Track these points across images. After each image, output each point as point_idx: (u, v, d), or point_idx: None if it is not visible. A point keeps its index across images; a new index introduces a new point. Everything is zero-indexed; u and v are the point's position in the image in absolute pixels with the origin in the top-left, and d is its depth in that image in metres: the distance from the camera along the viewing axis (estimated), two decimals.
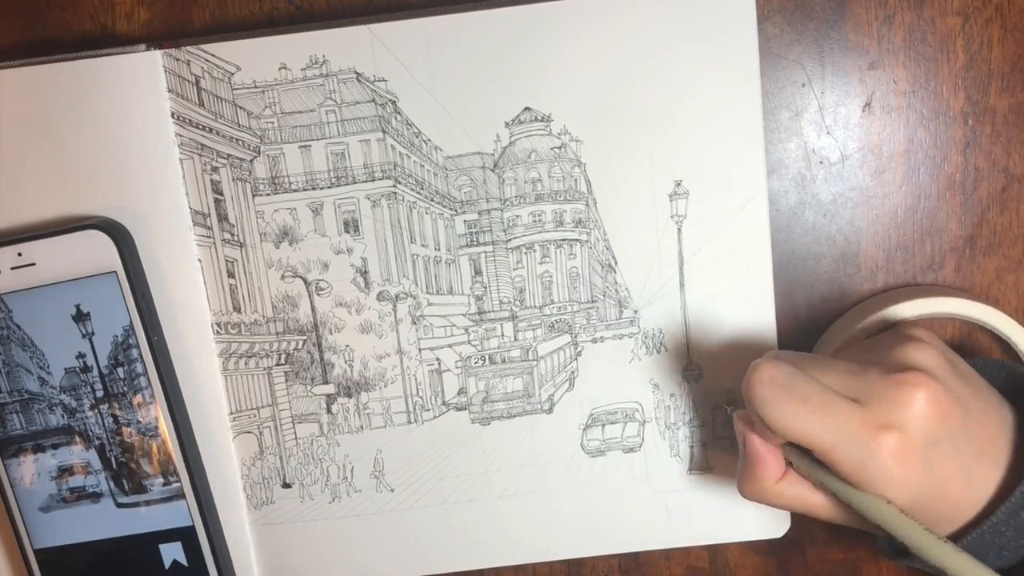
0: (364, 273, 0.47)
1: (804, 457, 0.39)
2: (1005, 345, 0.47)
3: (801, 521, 0.50)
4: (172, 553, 0.48)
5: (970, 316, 0.45)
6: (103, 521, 0.47)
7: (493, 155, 0.46)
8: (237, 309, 0.47)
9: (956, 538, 0.38)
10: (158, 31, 0.47)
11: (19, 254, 0.45)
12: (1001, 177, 0.47)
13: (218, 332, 0.47)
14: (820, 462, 0.38)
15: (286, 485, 0.49)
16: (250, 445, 0.49)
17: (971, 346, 0.48)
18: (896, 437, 0.36)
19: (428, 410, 0.49)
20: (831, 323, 0.48)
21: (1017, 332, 0.46)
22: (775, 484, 0.40)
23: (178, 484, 0.47)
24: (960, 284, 0.48)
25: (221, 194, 0.47)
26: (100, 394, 0.46)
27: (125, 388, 0.46)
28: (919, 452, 0.36)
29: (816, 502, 0.40)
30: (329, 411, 0.49)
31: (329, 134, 0.46)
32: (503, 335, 0.49)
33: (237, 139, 0.46)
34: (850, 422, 0.36)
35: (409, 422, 0.49)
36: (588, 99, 0.45)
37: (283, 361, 0.48)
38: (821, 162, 0.47)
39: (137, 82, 0.45)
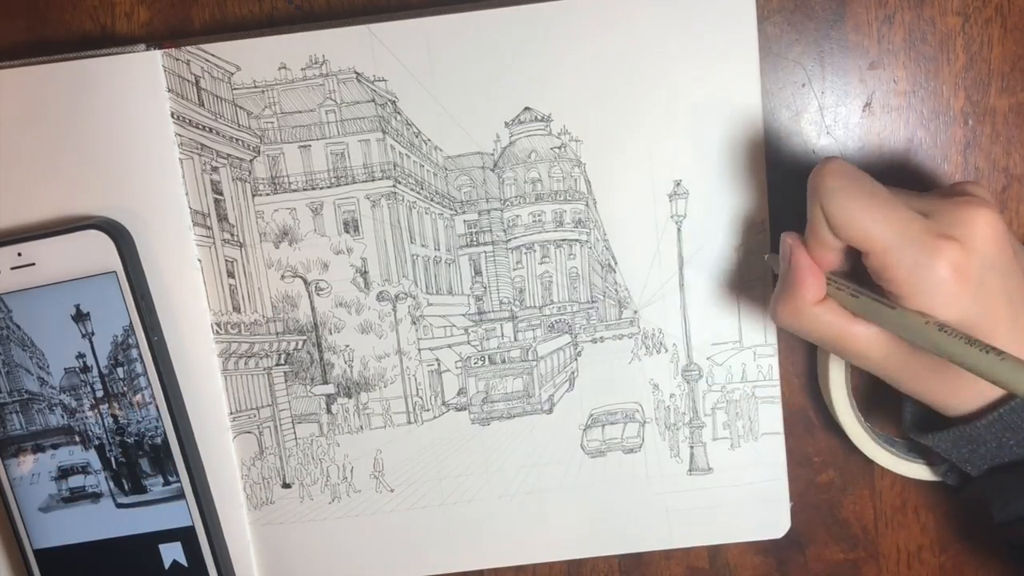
0: (364, 273, 0.47)
1: (848, 281, 0.38)
2: None
3: (801, 521, 0.50)
4: (172, 553, 0.48)
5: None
6: (103, 521, 0.47)
7: (493, 155, 0.46)
8: (237, 309, 0.47)
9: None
10: (158, 31, 0.47)
11: (19, 254, 0.45)
12: (1001, 177, 0.47)
13: (218, 332, 0.47)
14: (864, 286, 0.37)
15: (286, 485, 0.49)
16: (250, 445, 0.49)
17: None
18: (957, 248, 0.35)
19: (428, 410, 0.49)
20: None
21: None
22: (813, 306, 0.38)
23: (178, 484, 0.47)
24: None
25: (221, 194, 0.47)
26: (100, 394, 0.46)
27: (125, 388, 0.46)
28: (975, 271, 0.35)
29: (855, 332, 0.38)
30: (329, 411, 0.49)
31: (329, 134, 0.46)
32: (503, 335, 0.49)
33: (237, 139, 0.46)
34: (915, 225, 0.36)
35: (409, 422, 0.49)
36: (588, 99, 0.45)
37: (283, 361, 0.48)
38: None
39: (137, 82, 0.45)
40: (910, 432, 0.42)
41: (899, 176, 0.47)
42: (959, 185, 0.39)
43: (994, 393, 0.38)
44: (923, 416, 0.43)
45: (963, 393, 0.38)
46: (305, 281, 0.47)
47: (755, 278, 0.47)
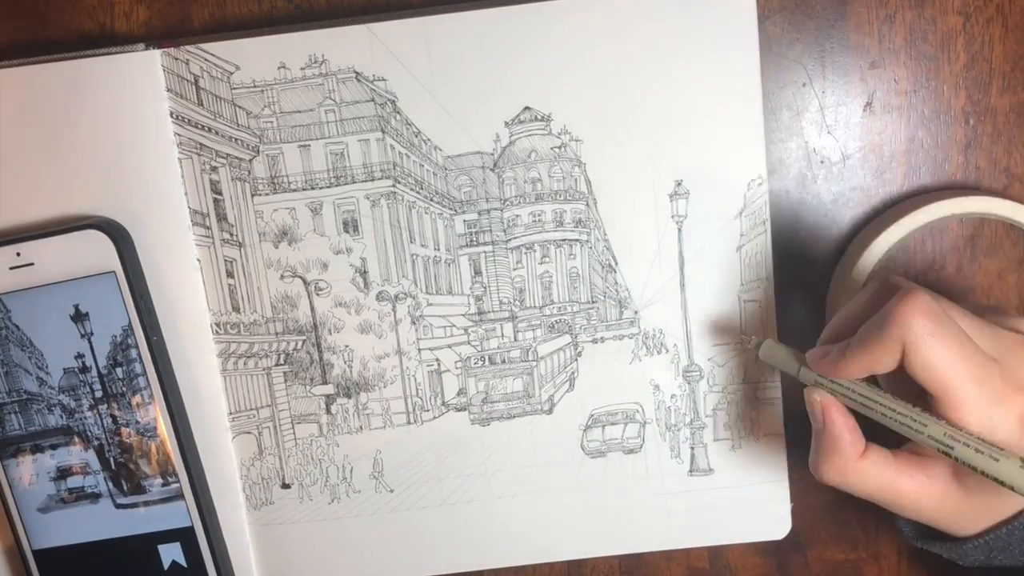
0: (363, 273, 0.47)
1: (874, 391, 0.37)
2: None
3: (801, 522, 0.50)
4: (171, 554, 0.47)
5: (995, 213, 0.44)
6: (102, 522, 0.47)
7: (493, 155, 0.46)
8: (236, 309, 0.47)
9: None
10: (157, 30, 0.47)
11: (18, 254, 0.45)
12: (1002, 177, 0.47)
13: (217, 332, 0.47)
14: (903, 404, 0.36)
15: (285, 486, 0.49)
16: (249, 445, 0.49)
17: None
18: None
19: (428, 411, 0.49)
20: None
21: None
22: (858, 460, 0.37)
23: (177, 485, 0.47)
24: (962, 284, 0.48)
25: (220, 194, 0.46)
26: (99, 394, 0.46)
27: (124, 388, 0.46)
28: None
29: (903, 486, 0.37)
30: (328, 411, 0.48)
31: (328, 134, 0.46)
32: (503, 335, 0.48)
33: (236, 139, 0.46)
34: (992, 376, 0.35)
35: (409, 423, 0.49)
36: (588, 99, 0.45)
37: (282, 361, 0.48)
38: (822, 162, 0.47)
39: (136, 82, 0.45)
40: (908, 539, 0.42)
41: (899, 179, 0.47)
42: (1013, 319, 0.38)
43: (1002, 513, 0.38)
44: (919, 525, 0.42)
45: (976, 522, 0.38)
46: (304, 281, 0.47)
47: (756, 279, 0.47)
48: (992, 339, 0.36)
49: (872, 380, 0.38)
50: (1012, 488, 0.33)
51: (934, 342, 0.34)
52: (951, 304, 0.37)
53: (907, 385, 0.37)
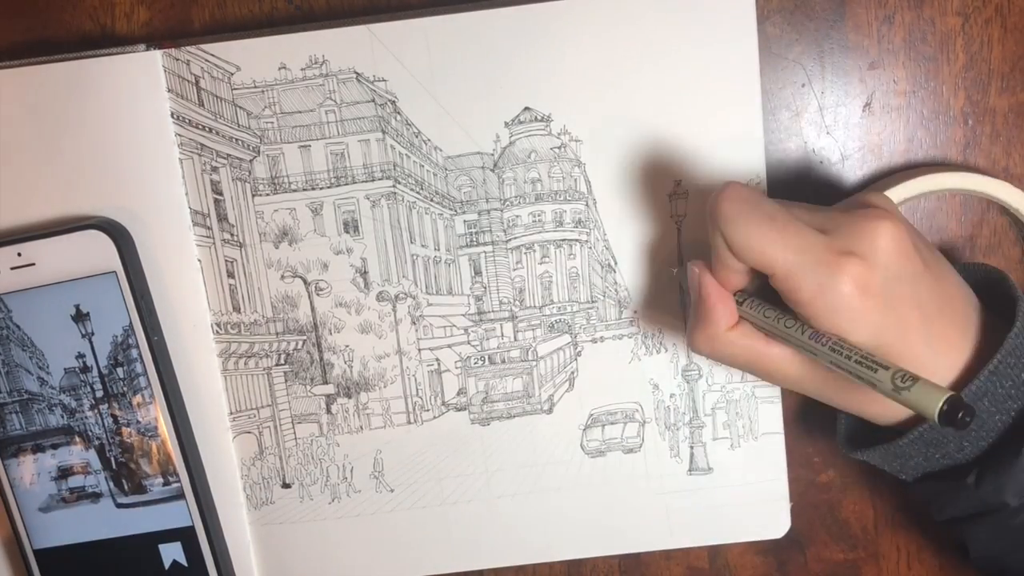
0: (364, 273, 0.47)
1: (759, 302, 0.38)
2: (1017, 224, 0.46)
3: (801, 521, 0.50)
4: (172, 553, 0.48)
5: (977, 190, 0.44)
6: (103, 521, 0.47)
7: (493, 155, 0.46)
8: (237, 309, 0.47)
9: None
10: (158, 31, 0.47)
11: (19, 254, 0.45)
12: (1001, 177, 0.47)
13: (218, 332, 0.47)
14: (774, 308, 0.37)
15: (286, 485, 0.49)
16: (250, 445, 0.49)
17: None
18: (858, 264, 0.35)
19: (428, 410, 0.49)
20: None
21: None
22: (727, 332, 0.39)
23: (178, 484, 0.47)
24: None
25: (221, 194, 0.47)
26: (100, 394, 0.46)
27: (125, 388, 0.46)
28: (879, 285, 0.35)
29: (770, 354, 0.38)
30: (329, 411, 0.49)
31: (329, 134, 0.46)
32: (503, 335, 0.49)
33: (237, 139, 0.46)
34: (814, 245, 0.35)
35: (409, 422, 0.49)
36: (588, 99, 0.45)
37: (283, 361, 0.48)
38: (821, 162, 0.47)
39: (137, 82, 0.45)
40: (843, 447, 0.42)
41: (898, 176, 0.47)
42: (861, 196, 0.39)
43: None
44: (856, 429, 0.43)
45: (887, 403, 0.37)
46: (305, 281, 0.47)
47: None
48: (821, 217, 0.37)
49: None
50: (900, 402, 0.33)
51: (743, 221, 0.36)
52: (779, 200, 0.38)
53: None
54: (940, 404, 0.32)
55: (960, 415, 0.31)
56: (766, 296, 0.38)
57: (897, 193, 0.44)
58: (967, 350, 0.37)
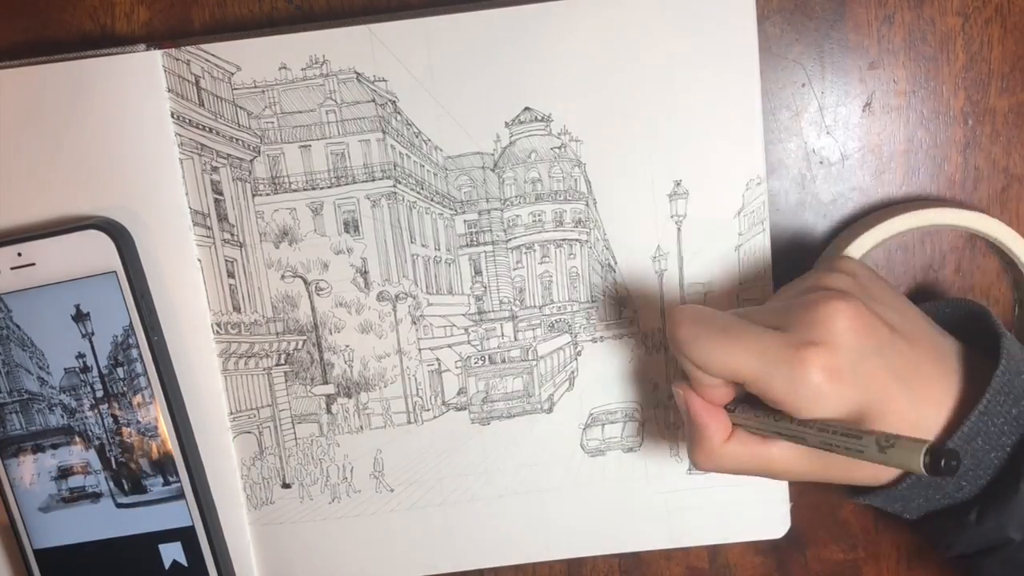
0: (364, 273, 0.47)
1: (749, 409, 0.38)
2: (1007, 259, 0.46)
3: (801, 521, 0.50)
4: (172, 553, 0.48)
5: (969, 226, 0.44)
6: (103, 521, 0.47)
7: (493, 155, 0.46)
8: (237, 309, 0.47)
9: None
10: (158, 31, 0.47)
11: (19, 254, 0.45)
12: (1001, 177, 0.47)
13: (218, 332, 0.47)
14: (762, 408, 0.37)
15: (286, 485, 0.49)
16: (250, 445, 0.49)
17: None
18: (820, 352, 0.35)
19: (428, 410, 0.49)
20: None
21: (1016, 241, 0.45)
22: (724, 445, 0.39)
23: (178, 484, 0.47)
24: (960, 284, 0.48)
25: (221, 194, 0.47)
26: (100, 394, 0.46)
27: (125, 388, 0.46)
28: (848, 366, 0.35)
29: (771, 455, 0.38)
30: (329, 411, 0.49)
31: (329, 134, 0.46)
32: (503, 335, 0.49)
33: (237, 139, 0.46)
34: (773, 345, 0.36)
35: (409, 422, 0.49)
36: (588, 99, 0.45)
37: (283, 361, 0.48)
38: (821, 162, 0.47)
39: (137, 82, 0.45)
40: (847, 495, 0.42)
41: (898, 179, 0.47)
42: (813, 279, 0.39)
43: None
44: None
45: (881, 470, 0.38)
46: (305, 281, 0.47)
47: (754, 278, 0.47)
48: (775, 314, 0.38)
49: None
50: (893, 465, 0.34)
51: (700, 342, 0.37)
52: (726, 311, 0.39)
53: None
54: (922, 456, 0.32)
55: (943, 462, 0.32)
56: (754, 399, 0.39)
57: (871, 237, 0.44)
58: (952, 399, 0.37)
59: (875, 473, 0.38)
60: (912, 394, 0.36)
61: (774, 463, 0.39)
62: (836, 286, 0.38)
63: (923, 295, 0.47)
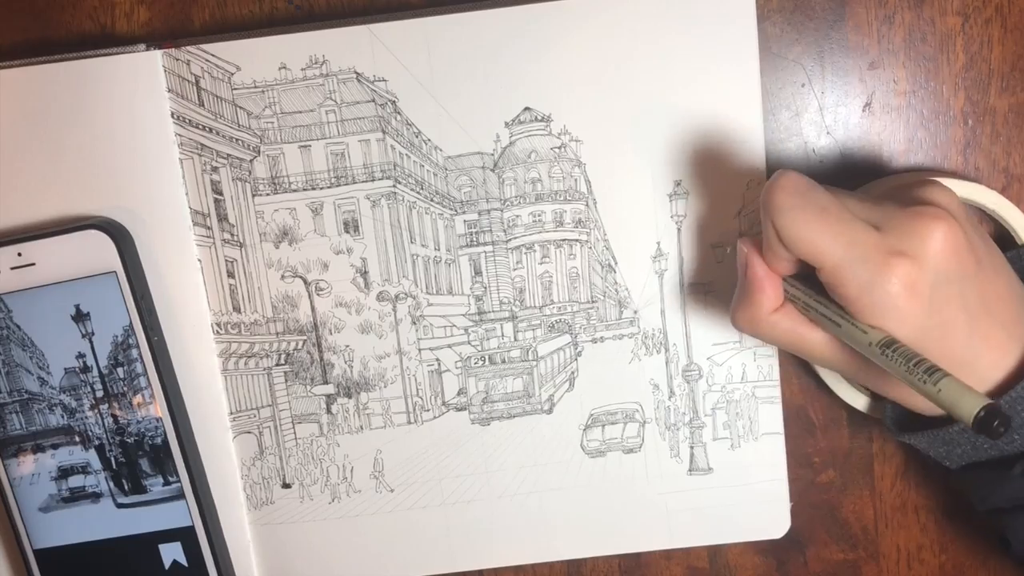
0: (364, 273, 0.47)
1: (805, 287, 0.38)
2: (1002, 230, 0.46)
3: (801, 521, 0.50)
4: (172, 553, 0.48)
5: (971, 199, 0.44)
6: (103, 521, 0.47)
7: (493, 155, 0.46)
8: (237, 309, 0.47)
9: None
10: (158, 31, 0.47)
11: (19, 254, 0.45)
12: (1001, 177, 0.47)
13: (218, 332, 0.47)
14: (820, 295, 0.37)
15: (286, 485, 0.49)
16: (250, 445, 0.49)
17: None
18: (908, 265, 0.35)
19: (428, 410, 0.49)
20: None
21: (1017, 217, 0.45)
22: (771, 313, 0.39)
23: (178, 484, 0.47)
24: None
25: (221, 194, 0.47)
26: (100, 394, 0.46)
27: (125, 388, 0.46)
28: (928, 287, 0.35)
29: (812, 339, 0.38)
30: (329, 411, 0.49)
31: (329, 134, 0.46)
32: (503, 335, 0.49)
33: (237, 139, 0.46)
34: (865, 241, 0.35)
35: (409, 422, 0.49)
36: (588, 99, 0.45)
37: (283, 361, 0.48)
38: (821, 162, 0.47)
39: (137, 82, 0.45)
40: (890, 429, 0.42)
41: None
42: (921, 190, 0.38)
43: None
44: (903, 413, 0.43)
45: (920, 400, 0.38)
46: (305, 281, 0.47)
47: None
48: (875, 210, 0.37)
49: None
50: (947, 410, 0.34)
51: (795, 214, 0.36)
52: (828, 187, 0.38)
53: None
54: (976, 411, 0.32)
55: (995, 424, 0.32)
56: (813, 283, 0.38)
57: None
58: (1014, 350, 0.37)
59: (915, 400, 0.38)
60: (974, 332, 0.36)
61: (814, 346, 0.39)
62: (942, 203, 0.37)
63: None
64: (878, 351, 0.35)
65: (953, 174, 0.46)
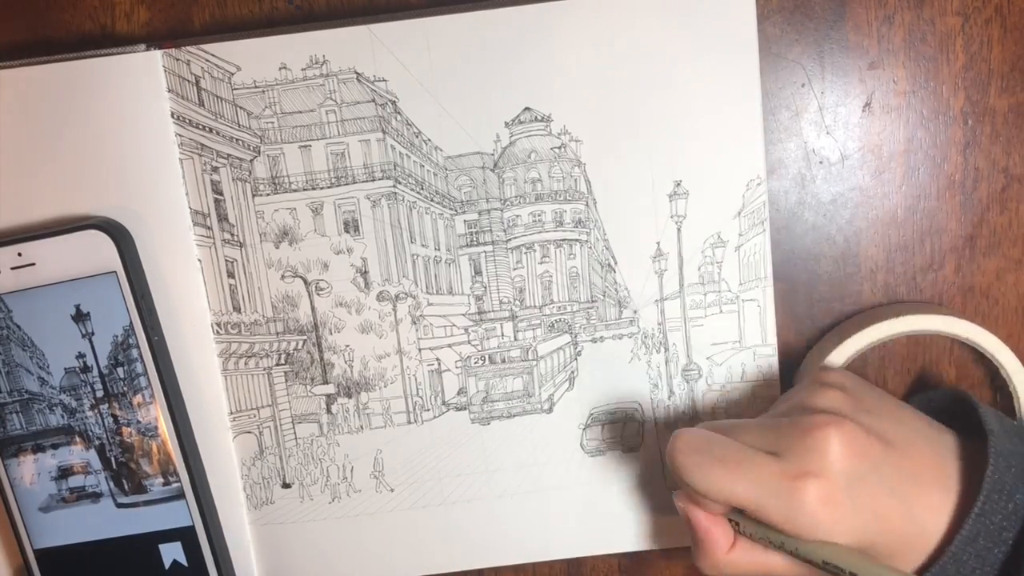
0: (364, 273, 0.47)
1: (748, 518, 0.39)
2: (991, 364, 0.46)
3: None
4: (172, 553, 0.48)
5: (952, 333, 0.45)
6: (103, 521, 0.47)
7: (493, 155, 0.46)
8: (237, 309, 0.47)
9: (920, 573, 0.37)
10: (158, 31, 0.47)
11: (19, 254, 0.45)
12: (1001, 177, 0.47)
13: (218, 332, 0.47)
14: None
15: (286, 485, 0.49)
16: (250, 445, 0.49)
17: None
18: (815, 483, 0.36)
19: (428, 410, 0.49)
20: (830, 323, 0.48)
21: (1000, 348, 0.46)
22: (727, 554, 0.40)
23: (178, 484, 0.47)
24: (960, 284, 0.48)
25: (221, 194, 0.47)
26: (100, 394, 0.46)
27: (125, 388, 0.46)
28: (843, 492, 0.36)
29: (774, 563, 0.39)
30: (329, 411, 0.49)
31: (329, 134, 0.46)
32: (503, 335, 0.49)
33: (237, 139, 0.46)
34: (769, 475, 0.37)
35: (409, 422, 0.49)
36: (588, 99, 0.45)
37: (283, 361, 0.48)
38: (821, 162, 0.47)
39: (137, 82, 0.45)
40: None
41: (898, 180, 0.47)
42: (808, 397, 0.40)
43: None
44: None
45: (899, 564, 0.38)
46: (305, 281, 0.47)
47: (754, 278, 0.47)
48: (771, 435, 0.38)
49: None
50: None
51: (699, 472, 0.38)
52: (728, 422, 0.41)
53: None
54: None
55: None
56: None
57: (850, 346, 0.45)
58: (951, 501, 0.38)
59: None
60: (910, 507, 0.37)
61: (776, 569, 0.39)
62: (827, 407, 0.38)
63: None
64: (821, 567, 0.36)
65: (933, 307, 0.47)
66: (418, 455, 0.49)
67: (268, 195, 0.47)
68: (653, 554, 0.51)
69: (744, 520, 0.39)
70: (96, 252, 0.44)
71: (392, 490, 0.49)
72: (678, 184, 0.46)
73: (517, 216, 0.48)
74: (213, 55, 0.45)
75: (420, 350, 0.48)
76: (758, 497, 0.37)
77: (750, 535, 0.39)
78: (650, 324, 0.48)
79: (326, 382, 0.48)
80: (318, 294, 0.47)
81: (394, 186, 0.47)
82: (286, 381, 0.48)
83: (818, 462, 0.36)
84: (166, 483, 0.47)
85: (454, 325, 0.48)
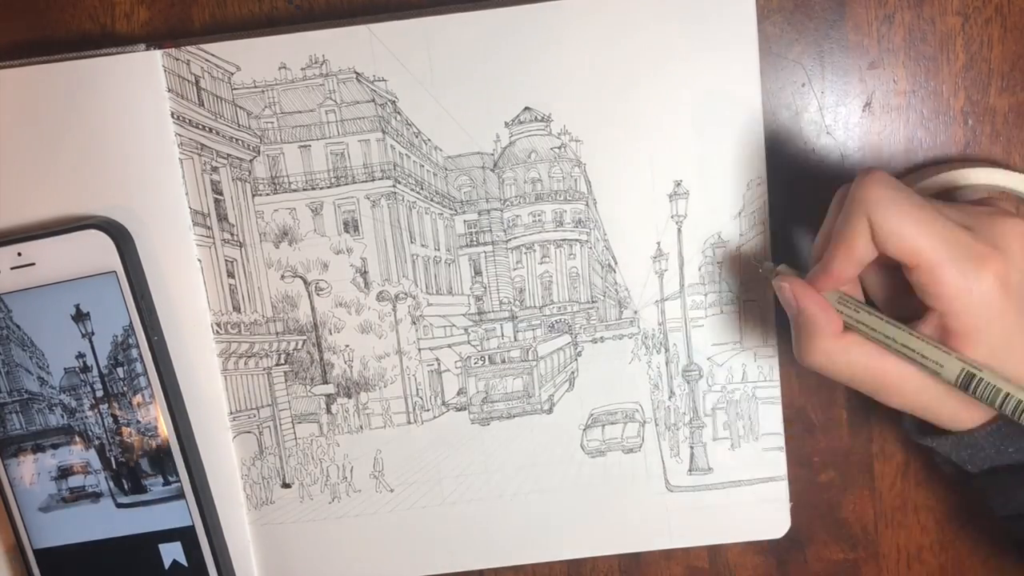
0: (364, 273, 0.47)
1: (867, 307, 0.37)
2: None
3: (801, 520, 0.50)
4: (172, 553, 0.48)
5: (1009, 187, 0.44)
6: (103, 521, 0.47)
7: (493, 155, 0.46)
8: (237, 309, 0.47)
9: None
10: (158, 31, 0.47)
11: (19, 254, 0.45)
12: None
13: (218, 332, 0.47)
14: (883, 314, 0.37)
15: (286, 485, 0.49)
16: (250, 445, 0.49)
17: None
18: (1000, 261, 0.35)
19: (428, 410, 0.49)
20: None
21: None
22: (838, 340, 0.38)
23: (178, 484, 0.47)
24: None
25: (221, 194, 0.47)
26: (100, 394, 0.46)
27: (125, 388, 0.46)
28: (1017, 283, 0.35)
29: (887, 369, 0.37)
30: (329, 411, 0.49)
31: (329, 134, 0.46)
32: (503, 335, 0.49)
33: (237, 139, 0.46)
34: (959, 239, 0.35)
35: (409, 422, 0.49)
36: (588, 99, 0.45)
37: (283, 361, 0.48)
38: (821, 162, 0.47)
39: (137, 82, 0.45)
40: (912, 433, 0.42)
41: (899, 176, 0.47)
42: (986, 200, 0.39)
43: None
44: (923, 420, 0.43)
45: (976, 414, 0.38)
46: (305, 281, 0.47)
47: (755, 279, 0.47)
48: (959, 211, 0.37)
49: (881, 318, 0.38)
50: None
51: (896, 209, 0.35)
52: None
53: (903, 302, 0.38)
54: None
55: None
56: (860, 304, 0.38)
57: (928, 186, 0.44)
58: None
59: (968, 419, 0.38)
60: None
61: (888, 374, 0.38)
62: (1009, 209, 0.37)
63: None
64: (966, 376, 0.36)
65: (981, 162, 0.46)
66: (418, 455, 0.49)
67: (268, 195, 0.47)
68: (653, 554, 0.51)
69: (867, 309, 0.37)
70: (96, 252, 0.44)
71: (392, 490, 0.49)
72: (678, 184, 0.46)
73: (517, 216, 0.47)
74: (213, 55, 0.45)
75: (420, 350, 0.48)
76: (944, 255, 0.35)
77: (854, 320, 0.37)
78: (650, 324, 0.48)
79: (326, 382, 0.48)
80: (318, 294, 0.47)
81: (394, 186, 0.47)
82: (286, 381, 0.48)
83: (1005, 245, 0.35)
84: (166, 483, 0.47)
85: (454, 325, 0.48)
